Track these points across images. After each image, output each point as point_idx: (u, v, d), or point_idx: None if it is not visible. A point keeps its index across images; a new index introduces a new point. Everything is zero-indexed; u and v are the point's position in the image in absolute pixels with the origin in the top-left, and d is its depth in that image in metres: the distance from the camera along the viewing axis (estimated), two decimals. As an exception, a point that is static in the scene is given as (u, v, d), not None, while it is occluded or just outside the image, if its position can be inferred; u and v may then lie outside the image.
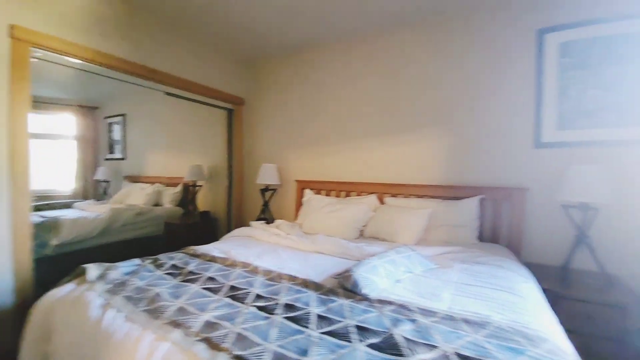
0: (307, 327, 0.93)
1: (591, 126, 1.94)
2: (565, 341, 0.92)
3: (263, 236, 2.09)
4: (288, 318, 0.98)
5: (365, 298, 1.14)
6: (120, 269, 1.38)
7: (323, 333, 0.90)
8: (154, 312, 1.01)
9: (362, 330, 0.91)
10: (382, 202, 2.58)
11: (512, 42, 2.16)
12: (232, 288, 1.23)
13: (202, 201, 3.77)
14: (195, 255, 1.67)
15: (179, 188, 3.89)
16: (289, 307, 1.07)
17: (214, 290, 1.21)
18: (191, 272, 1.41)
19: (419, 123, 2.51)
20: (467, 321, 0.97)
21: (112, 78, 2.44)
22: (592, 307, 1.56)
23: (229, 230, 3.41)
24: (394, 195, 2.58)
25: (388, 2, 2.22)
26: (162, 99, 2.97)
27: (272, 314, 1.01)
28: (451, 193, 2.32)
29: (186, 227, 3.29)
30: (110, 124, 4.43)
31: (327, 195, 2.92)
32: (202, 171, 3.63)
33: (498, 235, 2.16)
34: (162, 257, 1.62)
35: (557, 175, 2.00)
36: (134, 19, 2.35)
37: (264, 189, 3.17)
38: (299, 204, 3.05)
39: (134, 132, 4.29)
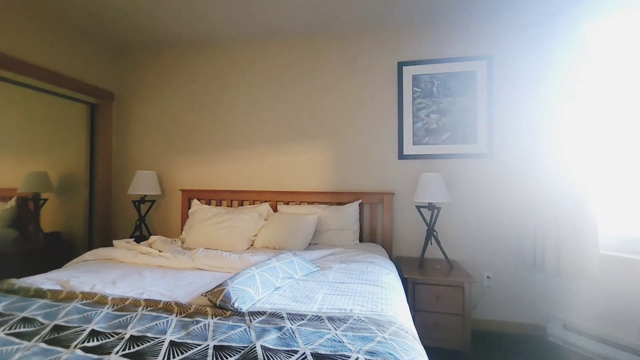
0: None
1: (433, 142, 2.43)
2: (408, 321, 1.07)
3: (126, 257, 1.74)
4: (127, 355, 0.80)
5: (236, 312, 1.06)
6: None
7: (171, 363, 0.77)
8: None
9: (220, 350, 0.83)
10: (275, 210, 2.56)
11: (382, 70, 2.52)
12: (56, 328, 0.94)
13: (49, 220, 2.92)
14: (11, 292, 1.23)
15: (10, 203, 2.90)
16: (136, 339, 0.88)
17: (24, 336, 0.90)
18: (-3, 316, 1.02)
19: (308, 134, 2.63)
20: (331, 319, 1.01)
21: None
22: (440, 289, 1.92)
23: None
24: (286, 203, 2.60)
25: (273, 15, 2.30)
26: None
27: (108, 353, 0.81)
28: (336, 199, 2.50)
29: (22, 256, 2.47)
30: None
31: (218, 205, 2.71)
32: (47, 180, 2.82)
33: (375, 235, 2.44)
34: None
35: (414, 182, 2.42)
36: None
37: (139, 201, 2.69)
38: (185, 217, 2.72)
39: None
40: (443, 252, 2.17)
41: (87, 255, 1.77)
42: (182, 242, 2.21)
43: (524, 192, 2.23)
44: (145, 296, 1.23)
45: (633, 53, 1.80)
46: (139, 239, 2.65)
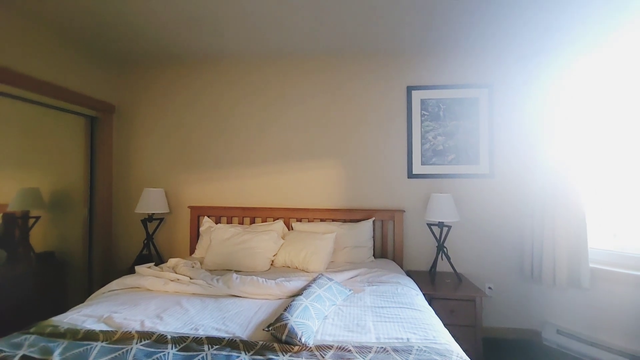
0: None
1: (440, 163, 2.61)
2: (458, 347, 1.18)
3: (156, 285, 1.70)
4: (231, 402, 0.84)
5: (304, 347, 1.11)
6: None
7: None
8: None
9: (314, 390, 0.89)
10: (289, 227, 2.60)
11: (392, 93, 2.66)
12: (137, 377, 0.95)
13: (41, 239, 2.74)
14: (57, 335, 1.19)
15: (-5, 222, 2.68)
16: (225, 384, 0.92)
17: (108, 389, 0.89)
18: (58, 366, 0.99)
19: (320, 152, 2.70)
20: (396, 350, 1.10)
21: None
22: (453, 303, 2.07)
23: (89, 277, 2.63)
24: (299, 220, 2.65)
25: (285, 37, 2.35)
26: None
27: (208, 401, 0.84)
28: (348, 216, 2.60)
29: (13, 281, 2.31)
30: None
31: (229, 222, 2.70)
32: (38, 197, 2.64)
33: (386, 250, 2.56)
34: (1, 345, 1.07)
35: (422, 199, 2.58)
36: None
37: (147, 219, 2.61)
38: (194, 235, 2.67)
39: None
40: (452, 267, 2.35)
41: (114, 284, 1.71)
42: (201, 264, 2.19)
43: (522, 211, 2.46)
44: (201, 332, 1.24)
45: (621, 85, 2.06)
46: (146, 259, 2.58)
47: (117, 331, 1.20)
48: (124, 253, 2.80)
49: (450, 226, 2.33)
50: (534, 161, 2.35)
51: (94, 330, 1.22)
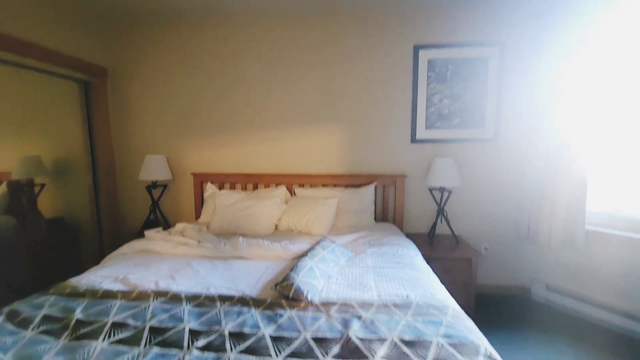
0: (269, 356, 0.90)
1: (445, 127, 2.55)
2: (454, 301, 1.26)
3: (165, 248, 1.77)
4: (244, 351, 0.91)
5: (310, 304, 1.19)
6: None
7: (289, 357, 0.89)
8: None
9: (320, 342, 0.96)
10: (292, 193, 2.63)
11: (398, 53, 2.51)
12: (155, 330, 1.02)
13: (48, 205, 2.79)
14: (77, 295, 1.26)
15: (1, 189, 2.72)
16: (238, 336, 0.99)
17: (130, 342, 0.97)
18: (82, 322, 1.07)
19: (322, 116, 2.64)
20: (396, 305, 1.17)
21: None
22: (449, 263, 2.17)
23: (100, 241, 2.73)
24: (301, 185, 2.68)
25: None
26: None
27: (223, 351, 0.92)
28: (351, 181, 2.61)
29: (25, 246, 2.39)
30: None
31: (232, 188, 2.73)
32: (40, 164, 2.64)
33: (387, 214, 2.62)
34: (21, 307, 1.14)
35: (425, 164, 2.57)
36: None
37: (151, 186, 2.64)
38: (198, 201, 2.72)
39: None
40: (451, 229, 2.42)
41: (125, 248, 1.78)
42: (207, 228, 2.25)
43: (522, 174, 2.46)
44: (213, 291, 1.31)
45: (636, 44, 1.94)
46: (153, 224, 2.65)
47: (133, 290, 1.28)
48: (132, 218, 2.88)
49: (452, 191, 2.35)
50: (539, 124, 2.30)
51: (111, 290, 1.29)
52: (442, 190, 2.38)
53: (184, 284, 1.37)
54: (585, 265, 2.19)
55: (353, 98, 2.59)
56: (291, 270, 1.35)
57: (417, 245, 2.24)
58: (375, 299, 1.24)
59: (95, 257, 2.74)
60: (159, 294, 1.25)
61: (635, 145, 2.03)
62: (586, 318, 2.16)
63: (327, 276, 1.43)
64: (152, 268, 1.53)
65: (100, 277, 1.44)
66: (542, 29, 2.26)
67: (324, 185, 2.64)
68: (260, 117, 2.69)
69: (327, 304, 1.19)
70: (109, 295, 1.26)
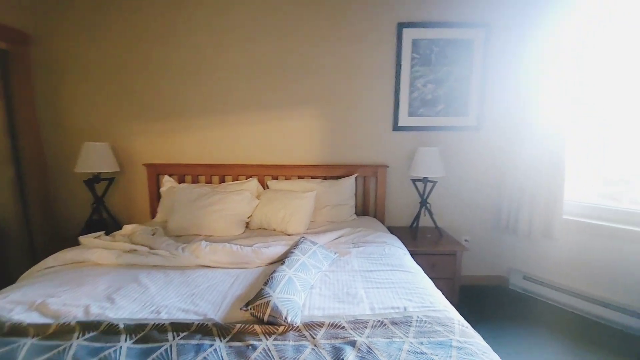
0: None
1: (428, 114, 2.41)
2: (456, 312, 1.10)
3: (106, 259, 1.43)
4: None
5: (290, 327, 0.96)
6: None
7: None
8: None
9: (308, 384, 0.74)
10: (264, 186, 2.35)
11: (380, 31, 2.29)
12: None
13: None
14: (-31, 333, 0.92)
15: None
16: (196, 384, 0.74)
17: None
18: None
19: (296, 99, 2.36)
20: (394, 323, 0.99)
21: None
22: (434, 258, 2.06)
23: (32, 247, 2.27)
24: (275, 178, 2.41)
25: None
26: None
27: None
28: (328, 172, 2.39)
29: None
30: None
31: (194, 182, 2.38)
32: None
33: (367, 207, 2.45)
34: None
35: (406, 153, 2.42)
36: None
37: (93, 180, 2.21)
38: (154, 197, 2.34)
39: None
40: (434, 222, 2.31)
41: (51, 260, 1.40)
42: (164, 230, 1.92)
43: (504, 164, 2.40)
44: (164, 316, 1.03)
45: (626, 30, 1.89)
46: (98, 225, 2.24)
47: (53, 323, 0.96)
48: (71, 218, 2.42)
49: (436, 182, 2.23)
50: (522, 113, 2.23)
51: (21, 323, 0.96)
52: (425, 181, 2.25)
53: (125, 308, 1.07)
54: (561, 256, 2.19)
55: (331, 80, 2.34)
56: (265, 283, 1.11)
57: (399, 238, 2.10)
58: (369, 313, 1.05)
59: (27, 267, 2.28)
60: (87, 326, 0.94)
61: (615, 136, 2.03)
62: (562, 306, 2.18)
63: (309, 286, 1.21)
64: (85, 287, 1.20)
65: (11, 302, 1.09)
66: (530, 13, 2.15)
67: (299, 177, 2.39)
68: (226, 98, 2.35)
69: (311, 326, 0.97)
70: (17, 331, 0.92)
